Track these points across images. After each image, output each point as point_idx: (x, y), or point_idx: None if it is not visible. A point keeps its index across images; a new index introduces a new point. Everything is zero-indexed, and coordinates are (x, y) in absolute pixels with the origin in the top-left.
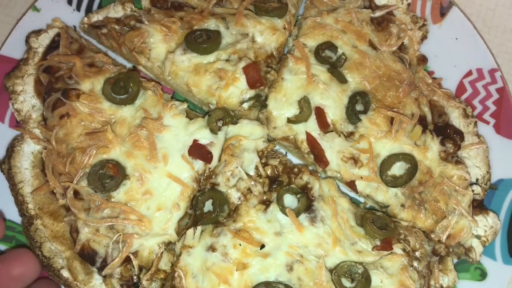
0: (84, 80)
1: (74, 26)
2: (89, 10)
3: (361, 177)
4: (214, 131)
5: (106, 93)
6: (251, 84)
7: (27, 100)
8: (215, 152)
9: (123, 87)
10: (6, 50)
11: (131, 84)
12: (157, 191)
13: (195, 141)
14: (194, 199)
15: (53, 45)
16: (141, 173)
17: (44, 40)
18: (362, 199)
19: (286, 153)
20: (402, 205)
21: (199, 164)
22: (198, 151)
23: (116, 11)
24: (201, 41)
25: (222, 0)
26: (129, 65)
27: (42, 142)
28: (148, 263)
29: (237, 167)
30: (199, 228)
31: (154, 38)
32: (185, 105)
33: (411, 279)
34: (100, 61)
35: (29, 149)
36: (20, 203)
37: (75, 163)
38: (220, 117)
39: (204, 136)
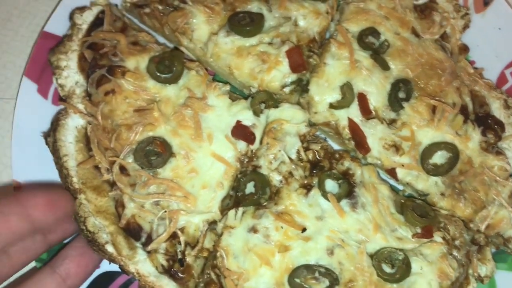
0: (129, 57)
1: (116, 5)
2: None
3: (402, 165)
4: (257, 113)
5: (151, 72)
6: (294, 68)
7: (70, 75)
8: (257, 134)
9: (168, 66)
10: (50, 26)
11: (176, 63)
12: (202, 169)
13: (238, 122)
14: (236, 180)
15: (97, 22)
16: (187, 151)
17: (88, 17)
18: (401, 187)
19: (325, 138)
20: (442, 194)
21: (241, 145)
22: (241, 132)
23: None
24: (244, 24)
25: None
26: (170, 45)
27: (87, 117)
28: (194, 240)
29: (279, 151)
30: (240, 209)
31: (197, 19)
32: (228, 87)
33: (451, 267)
34: (144, 40)
35: (73, 124)
36: (64, 176)
37: (121, 139)
38: (263, 99)
39: (247, 118)
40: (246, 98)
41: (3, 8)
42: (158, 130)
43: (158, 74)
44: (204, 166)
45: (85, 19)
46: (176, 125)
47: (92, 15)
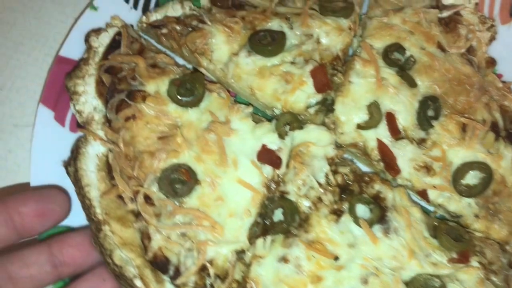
0: (148, 81)
1: (131, 25)
2: (146, 8)
3: (434, 186)
4: (282, 135)
5: (172, 95)
6: (319, 88)
7: (88, 101)
8: (283, 157)
9: (189, 89)
10: (65, 50)
11: (197, 86)
12: (228, 196)
13: (263, 146)
14: (263, 207)
15: (114, 45)
16: (212, 178)
17: (104, 39)
18: (432, 208)
19: (352, 159)
20: (476, 216)
21: (267, 170)
22: (267, 156)
23: (175, 10)
24: (266, 43)
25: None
26: (189, 67)
27: (108, 144)
28: (223, 271)
29: (308, 176)
30: (269, 237)
31: (217, 39)
32: (250, 109)
33: None
34: (163, 62)
35: (94, 151)
36: (87, 207)
37: (144, 166)
38: (288, 121)
39: (272, 141)
40: (269, 120)
41: (14, 31)
42: (182, 157)
43: (179, 97)
44: (230, 193)
45: (102, 42)
46: (199, 150)
47: (108, 37)
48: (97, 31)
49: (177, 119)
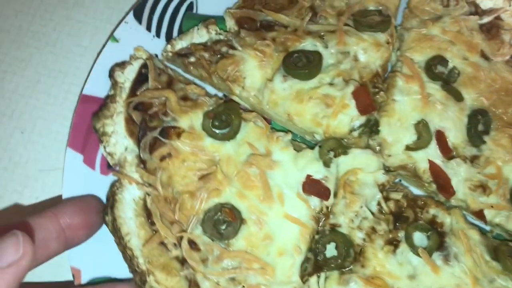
0: (181, 116)
1: (156, 55)
2: (169, 36)
3: (491, 206)
4: (327, 163)
5: (207, 129)
6: (362, 110)
7: (119, 141)
8: (330, 187)
9: (224, 120)
10: (89, 88)
11: (233, 117)
12: (276, 234)
13: (308, 176)
14: (313, 242)
15: (140, 78)
16: (257, 215)
17: (129, 73)
18: (487, 228)
19: (400, 180)
20: None
21: (314, 201)
22: (313, 187)
23: (200, 35)
24: (302, 66)
25: (316, 16)
26: (220, 95)
27: (145, 188)
28: None
29: (361, 207)
30: (323, 274)
31: (249, 64)
32: (289, 136)
33: None
34: (193, 93)
35: (130, 196)
36: (129, 258)
37: (185, 209)
38: (332, 147)
39: (317, 170)
40: (310, 146)
41: (30, 68)
42: (224, 195)
43: (215, 130)
44: (278, 230)
45: (127, 76)
46: (241, 186)
47: (134, 70)
48: (121, 65)
49: (215, 154)
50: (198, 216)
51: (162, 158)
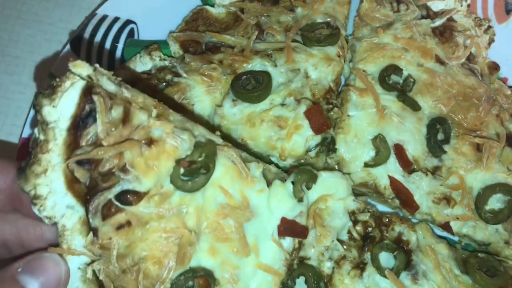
0: (146, 174)
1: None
2: (111, 66)
3: (457, 218)
4: (302, 200)
5: (175, 181)
6: (317, 129)
7: (58, 202)
8: (304, 220)
9: (198, 167)
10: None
11: (210, 165)
12: (249, 287)
13: (283, 219)
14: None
15: (83, 114)
16: (231, 272)
17: (66, 107)
18: (455, 238)
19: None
20: (506, 242)
21: (287, 242)
22: (289, 229)
23: (143, 62)
24: (251, 88)
25: (262, 34)
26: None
27: (96, 264)
28: None
29: (333, 241)
30: None
31: (196, 90)
32: (261, 168)
33: None
34: (158, 129)
35: (75, 266)
36: None
37: (149, 277)
38: (305, 181)
39: (291, 208)
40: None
41: None
42: (194, 256)
43: (184, 179)
44: (251, 283)
45: (62, 113)
46: (212, 239)
47: (73, 101)
48: (50, 94)
49: (182, 207)
50: (165, 286)
51: (119, 227)
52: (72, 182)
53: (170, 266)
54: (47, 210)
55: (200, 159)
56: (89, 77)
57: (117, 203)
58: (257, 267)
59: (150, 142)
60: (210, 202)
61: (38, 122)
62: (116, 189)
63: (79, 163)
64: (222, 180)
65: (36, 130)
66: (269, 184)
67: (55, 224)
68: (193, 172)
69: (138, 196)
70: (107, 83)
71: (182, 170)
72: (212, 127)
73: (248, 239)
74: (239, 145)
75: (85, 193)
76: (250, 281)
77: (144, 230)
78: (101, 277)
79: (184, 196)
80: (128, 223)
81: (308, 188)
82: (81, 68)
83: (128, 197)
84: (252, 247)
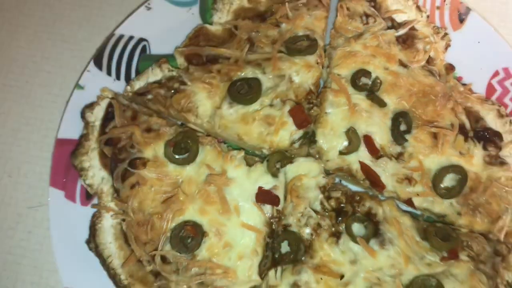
0: (146, 147)
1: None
2: (128, 77)
3: (417, 194)
4: (275, 174)
5: (169, 156)
6: (299, 125)
7: (96, 174)
8: (280, 194)
9: (183, 147)
10: (63, 132)
11: (191, 143)
12: (235, 241)
13: (260, 188)
14: (269, 242)
15: (108, 116)
16: (217, 227)
17: (98, 113)
18: (419, 212)
19: (340, 180)
20: (459, 213)
21: (267, 208)
22: (265, 197)
23: (154, 74)
24: (244, 93)
25: (253, 46)
26: (178, 123)
27: (119, 216)
28: None
29: (305, 208)
30: (279, 268)
31: (199, 96)
32: (242, 153)
33: (481, 282)
34: (156, 123)
35: (108, 224)
36: (112, 276)
37: (155, 229)
38: (278, 160)
39: (267, 182)
40: (261, 158)
41: (10, 120)
42: (187, 213)
43: (176, 156)
44: (236, 238)
45: (97, 116)
46: (202, 203)
47: (102, 109)
48: (90, 106)
49: (178, 177)
50: (166, 235)
51: (132, 186)
52: (103, 158)
53: (168, 219)
54: (89, 179)
55: (182, 141)
56: (112, 97)
57: (129, 168)
58: (240, 226)
59: (149, 129)
60: (199, 175)
61: (84, 122)
62: (128, 161)
63: (106, 143)
64: (206, 160)
65: (82, 128)
66: None
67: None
68: (179, 150)
69: (143, 162)
70: (122, 99)
71: (171, 149)
72: (212, 126)
73: (229, 202)
74: (237, 140)
75: (110, 165)
76: (235, 236)
77: (149, 191)
78: (124, 230)
79: (177, 169)
80: (138, 183)
81: (282, 166)
82: (107, 92)
83: (136, 163)
84: (234, 208)
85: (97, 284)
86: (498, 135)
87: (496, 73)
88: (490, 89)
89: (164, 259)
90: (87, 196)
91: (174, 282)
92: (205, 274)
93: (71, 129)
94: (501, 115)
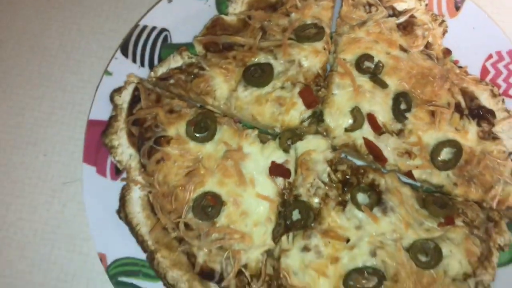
0: (169, 127)
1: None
2: (151, 64)
3: (417, 167)
4: (286, 150)
5: (190, 134)
6: (308, 105)
7: (124, 151)
8: (291, 167)
9: (203, 126)
10: (93, 114)
11: (209, 123)
12: (250, 210)
13: (272, 162)
14: (281, 211)
15: (135, 99)
16: (234, 197)
17: (126, 96)
18: (419, 184)
19: (346, 156)
20: (455, 184)
21: (279, 180)
22: (277, 170)
23: (175, 61)
24: (257, 76)
25: (265, 34)
26: (198, 105)
27: (146, 188)
28: (257, 271)
29: (314, 179)
30: (291, 234)
31: (216, 80)
32: (256, 131)
33: (475, 245)
34: (178, 105)
35: (136, 195)
36: (141, 242)
37: (179, 199)
38: (289, 137)
39: (279, 156)
40: (273, 136)
41: (44, 104)
42: (207, 185)
43: (196, 135)
44: (251, 207)
45: (124, 99)
46: (221, 176)
47: (129, 93)
48: (118, 90)
49: (198, 153)
50: (189, 204)
51: (157, 162)
52: (130, 137)
53: (190, 190)
54: (118, 156)
55: (202, 121)
56: (137, 82)
57: (154, 145)
58: (255, 196)
59: (171, 111)
60: (218, 151)
61: (113, 105)
62: (153, 139)
63: (133, 123)
64: (224, 138)
65: (111, 111)
66: None
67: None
68: (199, 129)
69: (166, 140)
70: (146, 84)
71: (192, 128)
72: (228, 107)
73: (245, 175)
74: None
75: (137, 143)
76: (250, 206)
77: (173, 165)
78: (151, 201)
79: (198, 146)
80: (162, 158)
81: (293, 143)
82: (133, 77)
83: (160, 141)
84: (249, 181)
85: (127, 249)
86: (491, 112)
87: (490, 56)
88: (484, 71)
89: (187, 226)
90: (117, 172)
91: (196, 246)
92: (224, 239)
93: (102, 111)
94: (494, 95)
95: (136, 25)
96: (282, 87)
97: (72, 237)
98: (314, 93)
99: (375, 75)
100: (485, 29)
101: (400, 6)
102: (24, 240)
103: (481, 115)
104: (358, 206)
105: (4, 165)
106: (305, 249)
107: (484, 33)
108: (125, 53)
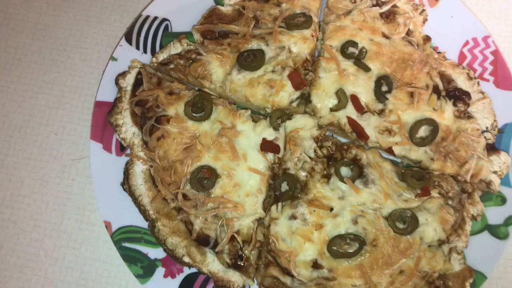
0: (169, 107)
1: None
2: (153, 51)
3: (396, 143)
4: (276, 128)
5: (188, 114)
6: (296, 87)
7: (128, 129)
8: (281, 144)
9: (200, 107)
10: (100, 96)
11: (206, 104)
12: (243, 182)
13: (263, 139)
14: (271, 183)
15: (138, 82)
16: (228, 171)
17: (129, 80)
18: (399, 160)
19: (332, 134)
20: (432, 159)
21: (270, 156)
22: (268, 146)
23: (175, 48)
24: (250, 61)
25: (258, 23)
26: (196, 88)
27: (148, 162)
28: (248, 237)
29: (301, 154)
30: (280, 204)
31: (212, 65)
32: (249, 112)
33: (449, 214)
34: (177, 88)
35: (139, 169)
36: (143, 211)
37: (177, 172)
38: (278, 116)
39: (270, 134)
40: (264, 116)
41: (55, 88)
42: (203, 159)
43: (193, 115)
44: (244, 179)
45: (128, 82)
46: (216, 151)
47: (132, 77)
48: (123, 74)
49: (196, 131)
50: (187, 177)
51: (158, 139)
52: (134, 116)
53: (188, 164)
54: (122, 133)
55: (199, 102)
56: (140, 66)
57: (156, 124)
58: (247, 170)
59: (171, 93)
60: (213, 129)
61: (117, 87)
62: (154, 118)
63: (136, 104)
64: (219, 117)
65: (116, 93)
66: None
67: (127, 146)
68: (196, 109)
69: (167, 119)
70: (149, 69)
71: (190, 108)
72: (224, 90)
73: (238, 150)
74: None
75: (140, 122)
76: (243, 178)
77: (172, 142)
78: (152, 174)
79: (195, 124)
80: (163, 136)
81: (282, 122)
82: (136, 62)
83: (161, 120)
84: (242, 155)
85: (130, 218)
86: (467, 94)
87: (466, 43)
88: (462, 56)
89: (185, 196)
90: (121, 148)
91: (193, 215)
92: (219, 208)
93: (107, 93)
94: (470, 78)
95: (139, 15)
96: (273, 71)
97: (80, 208)
98: (302, 77)
99: (359, 60)
100: (462, 18)
101: None
102: (37, 211)
103: (457, 96)
104: (341, 178)
105: (19, 144)
106: (292, 217)
107: (461, 21)
108: (129, 40)
